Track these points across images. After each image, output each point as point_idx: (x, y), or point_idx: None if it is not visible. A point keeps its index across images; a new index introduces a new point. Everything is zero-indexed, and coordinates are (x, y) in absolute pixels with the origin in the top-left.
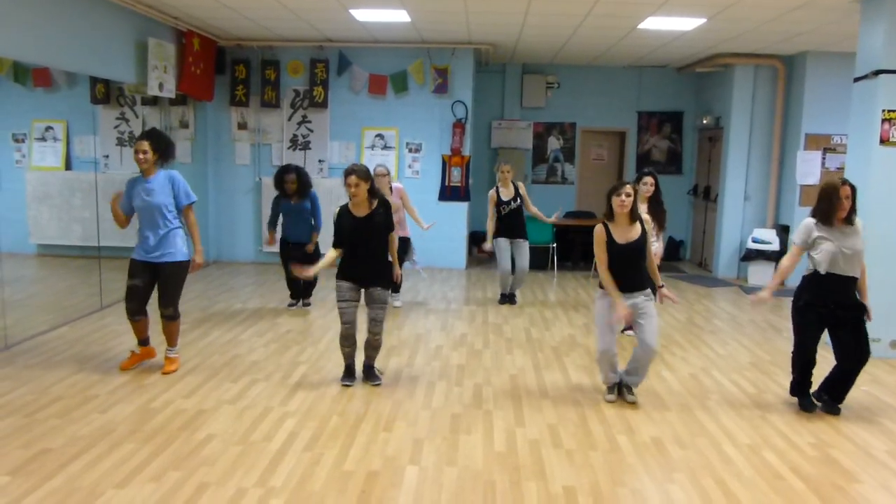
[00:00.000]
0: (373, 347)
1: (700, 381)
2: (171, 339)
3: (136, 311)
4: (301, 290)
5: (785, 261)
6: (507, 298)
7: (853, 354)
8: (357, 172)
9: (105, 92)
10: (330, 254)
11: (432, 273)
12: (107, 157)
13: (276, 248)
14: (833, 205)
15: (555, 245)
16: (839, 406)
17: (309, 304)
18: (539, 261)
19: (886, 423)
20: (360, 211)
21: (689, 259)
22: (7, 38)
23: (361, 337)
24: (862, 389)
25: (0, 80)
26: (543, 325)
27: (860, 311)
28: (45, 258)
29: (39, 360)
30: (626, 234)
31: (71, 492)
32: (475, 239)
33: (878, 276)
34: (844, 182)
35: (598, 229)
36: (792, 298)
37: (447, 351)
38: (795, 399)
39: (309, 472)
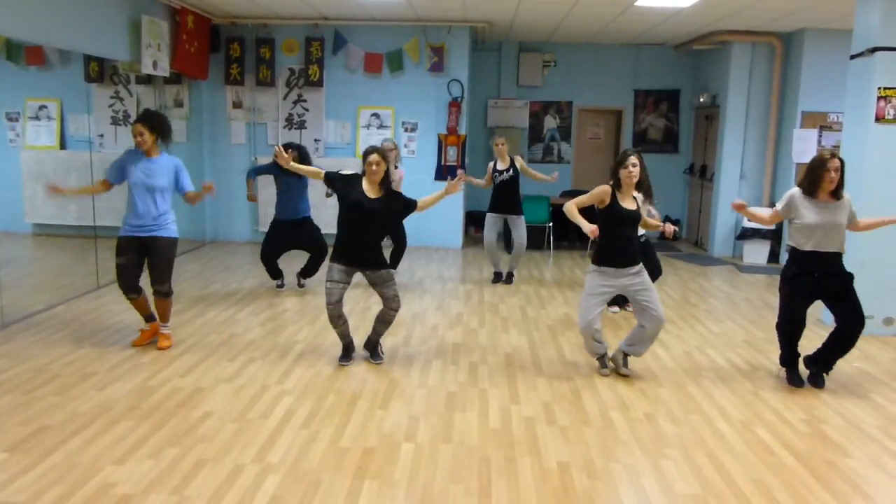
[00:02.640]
0: (384, 322)
1: (694, 359)
2: (164, 316)
3: (128, 289)
4: (277, 270)
5: (765, 213)
6: (502, 277)
7: (851, 317)
8: (379, 151)
9: (99, 70)
10: (318, 171)
11: (428, 252)
12: (101, 136)
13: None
14: (818, 177)
15: (551, 224)
16: (825, 376)
17: (303, 286)
18: (535, 240)
19: (878, 399)
20: (372, 193)
21: (684, 238)
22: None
23: (355, 320)
24: (854, 365)
25: None
26: (539, 304)
27: (847, 279)
28: (41, 238)
29: (37, 338)
30: (628, 205)
31: (70, 468)
32: (471, 219)
33: (871, 253)
34: (833, 155)
35: (606, 187)
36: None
37: (443, 330)
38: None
39: (305, 448)
